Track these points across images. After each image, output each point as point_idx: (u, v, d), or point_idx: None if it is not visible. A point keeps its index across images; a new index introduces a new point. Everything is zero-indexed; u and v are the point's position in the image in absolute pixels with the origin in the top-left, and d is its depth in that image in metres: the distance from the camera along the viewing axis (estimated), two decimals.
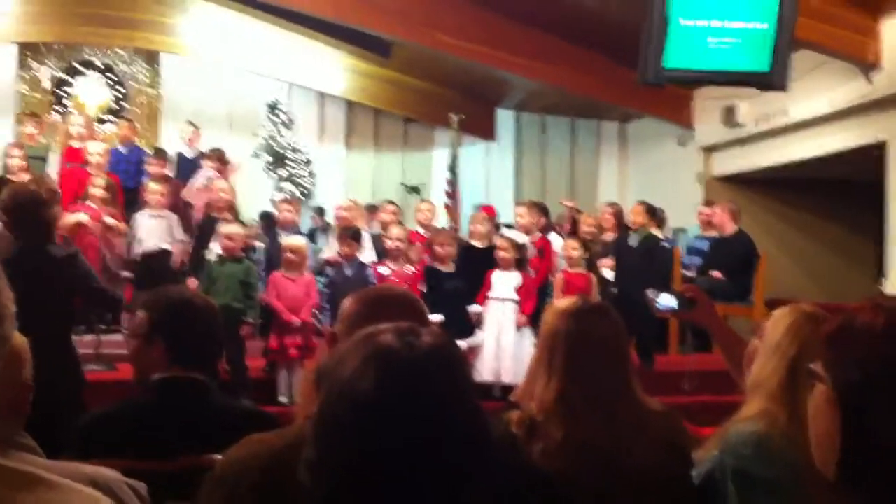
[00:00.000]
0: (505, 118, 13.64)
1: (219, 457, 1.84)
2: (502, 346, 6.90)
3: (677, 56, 6.94)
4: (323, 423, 1.19)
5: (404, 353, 1.18)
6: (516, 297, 7.02)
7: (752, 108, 9.83)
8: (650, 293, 2.86)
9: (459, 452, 1.16)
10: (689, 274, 8.86)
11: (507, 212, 10.85)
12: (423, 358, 1.18)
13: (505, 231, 8.60)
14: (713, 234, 9.31)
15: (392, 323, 1.26)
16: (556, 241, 8.30)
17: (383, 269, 7.04)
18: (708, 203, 9.74)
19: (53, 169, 8.79)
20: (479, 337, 6.92)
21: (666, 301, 2.86)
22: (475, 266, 7.19)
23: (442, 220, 9.68)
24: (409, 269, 7.10)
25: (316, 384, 1.25)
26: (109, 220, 7.50)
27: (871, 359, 1.17)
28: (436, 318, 6.68)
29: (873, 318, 1.20)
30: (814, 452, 1.25)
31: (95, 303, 4.30)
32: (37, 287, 4.06)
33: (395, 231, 7.31)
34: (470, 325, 6.92)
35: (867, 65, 8.00)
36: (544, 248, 7.99)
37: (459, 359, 1.26)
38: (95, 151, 8.37)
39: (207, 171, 8.96)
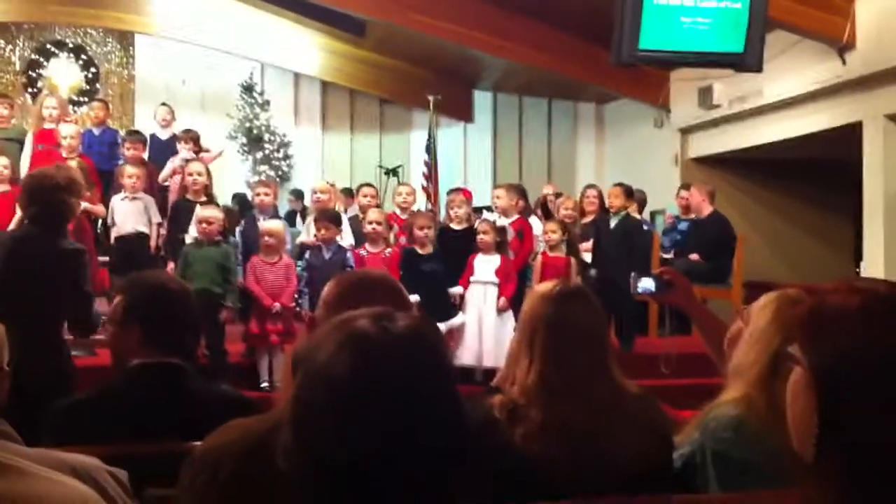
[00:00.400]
0: (482, 100, 13.62)
1: (199, 443, 1.83)
2: (484, 329, 6.91)
3: (651, 37, 6.96)
4: (298, 408, 1.19)
5: (379, 337, 1.18)
6: (497, 279, 7.03)
7: (727, 89, 9.85)
8: (633, 276, 2.87)
9: (436, 436, 1.16)
10: (667, 256, 8.90)
11: (485, 194, 10.85)
12: (398, 341, 1.18)
13: (485, 214, 8.60)
14: (692, 216, 9.36)
15: (369, 307, 1.26)
16: (535, 224, 8.31)
17: (362, 252, 7.02)
18: (685, 186, 9.78)
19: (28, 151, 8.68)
20: (459, 318, 6.93)
21: (645, 284, 2.86)
22: (453, 248, 7.19)
23: (420, 203, 9.66)
24: (388, 251, 7.08)
25: (292, 369, 1.25)
26: (86, 205, 7.43)
27: (846, 340, 1.17)
28: (413, 298, 6.68)
29: (847, 299, 1.20)
30: (791, 435, 1.25)
31: (77, 306, 4.24)
32: (36, 274, 4.05)
33: (372, 214, 7.28)
34: (448, 307, 6.92)
35: (841, 45, 8.03)
36: (523, 231, 8.00)
37: (436, 342, 1.25)
38: (68, 134, 8.26)
39: (183, 152, 8.89)
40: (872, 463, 1.13)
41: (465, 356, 6.86)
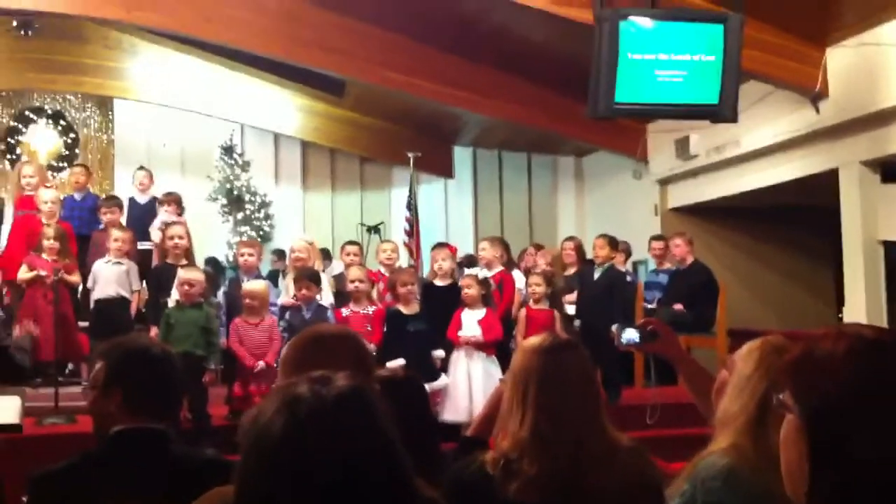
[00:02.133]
0: (462, 155, 13.71)
1: None
2: (473, 385, 6.87)
3: (627, 90, 7.03)
4: (241, 473, 1.24)
5: (311, 401, 1.24)
6: (481, 331, 7.01)
7: (703, 139, 9.97)
8: (615, 328, 2.88)
9: (366, 492, 1.20)
10: (651, 306, 8.91)
11: (467, 249, 10.89)
12: (329, 404, 1.24)
13: (467, 269, 8.60)
14: (668, 266, 9.40)
15: (327, 366, 1.35)
16: (518, 277, 8.32)
17: (345, 311, 6.99)
18: (658, 237, 9.84)
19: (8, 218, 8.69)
20: (443, 380, 6.88)
21: (629, 335, 2.87)
22: (438, 305, 7.16)
23: (402, 260, 9.65)
24: (371, 309, 7.04)
25: (238, 435, 1.30)
26: (68, 278, 7.44)
27: (834, 386, 1.17)
28: (397, 362, 6.64)
29: (835, 344, 1.21)
30: (785, 482, 1.25)
31: None
32: None
33: (354, 272, 7.26)
34: (433, 369, 6.86)
35: (814, 94, 8.15)
36: (503, 283, 8.00)
37: (370, 402, 1.29)
38: (48, 199, 8.26)
39: (162, 215, 8.88)
40: None
41: (456, 413, 6.80)
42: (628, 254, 10.03)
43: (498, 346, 7.07)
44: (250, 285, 6.77)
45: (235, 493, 1.24)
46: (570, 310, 8.08)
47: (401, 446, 1.27)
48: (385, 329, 6.98)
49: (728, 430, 2.18)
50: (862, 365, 1.18)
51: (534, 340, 2.36)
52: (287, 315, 6.95)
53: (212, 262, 10.35)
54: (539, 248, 9.76)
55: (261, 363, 6.31)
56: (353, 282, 7.08)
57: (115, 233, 7.79)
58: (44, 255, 7.55)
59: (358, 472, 1.20)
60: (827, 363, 1.20)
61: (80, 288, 8.07)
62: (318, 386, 1.26)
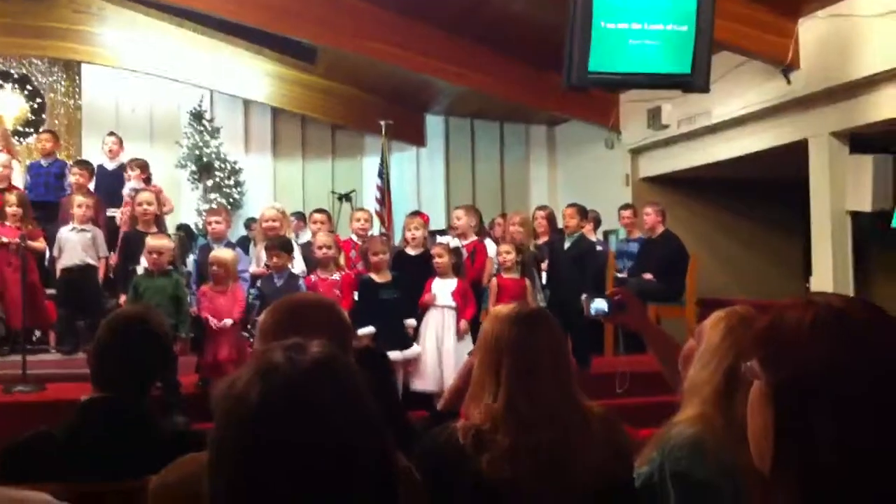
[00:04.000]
0: (434, 124, 13.65)
1: (151, 478, 1.79)
2: (444, 355, 6.88)
3: (600, 59, 7.02)
4: (215, 441, 1.23)
5: (286, 367, 1.23)
6: (454, 302, 7.01)
7: (675, 109, 10.00)
8: (584, 298, 2.89)
9: (345, 461, 1.20)
10: (621, 276, 8.96)
11: (438, 218, 10.87)
12: (304, 371, 1.23)
13: (439, 237, 8.58)
14: (638, 235, 9.45)
15: (304, 333, 1.34)
16: (490, 246, 8.32)
17: (313, 278, 6.96)
18: (627, 206, 9.88)
19: None
20: (415, 349, 6.88)
21: (598, 305, 2.87)
22: (410, 273, 7.15)
23: (374, 228, 9.63)
24: (337, 275, 7.00)
25: (212, 404, 1.29)
26: (33, 244, 7.34)
27: (801, 355, 1.18)
28: (367, 330, 6.63)
29: (803, 314, 1.21)
30: (751, 449, 1.26)
31: None
32: None
33: (321, 238, 7.22)
34: (405, 337, 6.87)
35: (786, 65, 8.19)
36: (476, 251, 8.01)
37: (345, 370, 1.28)
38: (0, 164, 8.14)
39: (132, 182, 8.79)
40: (826, 476, 1.13)
41: (426, 382, 6.81)
42: (598, 223, 10.07)
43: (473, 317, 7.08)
44: (217, 253, 6.70)
45: (209, 462, 1.23)
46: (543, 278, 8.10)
47: (377, 414, 1.27)
48: (357, 297, 6.97)
49: (695, 400, 2.19)
50: (827, 334, 1.18)
51: (504, 309, 2.34)
52: (258, 283, 6.92)
53: (183, 228, 10.27)
54: (504, 215, 9.74)
55: (227, 321, 6.25)
56: (320, 248, 7.04)
57: (79, 198, 7.70)
58: (6, 223, 7.44)
59: (335, 441, 1.19)
60: (794, 332, 1.20)
61: (47, 255, 7.97)
62: (292, 353, 1.26)
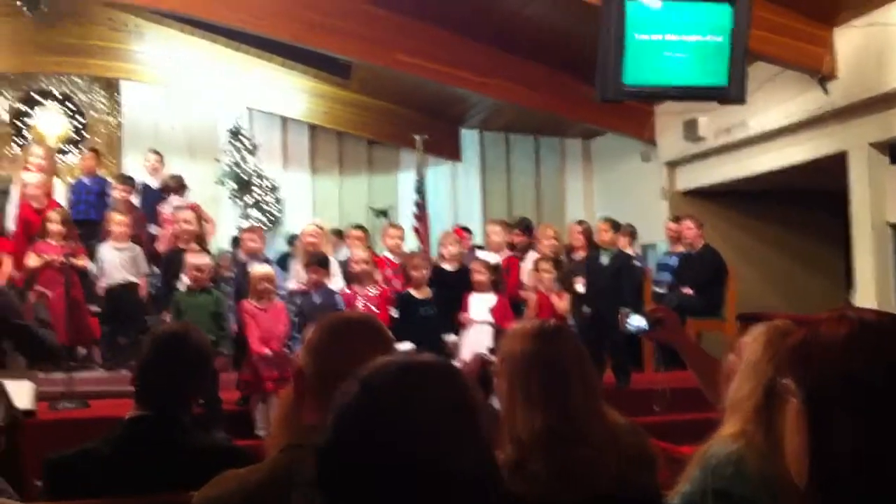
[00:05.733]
0: (469, 138, 13.67)
1: (193, 493, 1.82)
2: None
3: (635, 72, 7.01)
4: (322, 444, 1.20)
5: (386, 370, 1.22)
6: (491, 318, 7.01)
7: (712, 121, 9.93)
8: (622, 314, 2.91)
9: (454, 469, 1.16)
10: (660, 290, 8.90)
11: (475, 232, 10.88)
12: (408, 373, 1.21)
13: (478, 252, 8.60)
14: (681, 249, 9.38)
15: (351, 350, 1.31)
16: (532, 258, 8.33)
17: (349, 292, 7.00)
18: (675, 219, 9.81)
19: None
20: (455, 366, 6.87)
21: (636, 322, 2.88)
22: (447, 289, 7.17)
23: (411, 244, 9.66)
24: (373, 290, 7.04)
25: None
26: (76, 262, 7.44)
27: (833, 371, 1.17)
28: (406, 346, 6.65)
29: (836, 329, 1.21)
30: (790, 467, 1.25)
31: (19, 341, 4.14)
32: None
33: (357, 253, 7.27)
34: (443, 353, 6.87)
35: (822, 75, 8.11)
36: (510, 267, 8.02)
37: (456, 374, 1.27)
38: (29, 183, 8.25)
39: (174, 200, 8.91)
40: (858, 493, 1.12)
41: None
42: (634, 236, 10.01)
43: None
44: (258, 269, 6.78)
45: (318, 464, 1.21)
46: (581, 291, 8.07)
47: (482, 432, 1.23)
48: (395, 313, 6.99)
49: (736, 416, 2.18)
50: (859, 350, 1.17)
51: (522, 326, 2.28)
52: (297, 300, 6.98)
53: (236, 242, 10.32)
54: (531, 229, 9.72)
55: (267, 350, 6.31)
56: (357, 262, 7.09)
57: (117, 217, 7.81)
58: (50, 241, 7.56)
59: (428, 449, 1.16)
60: (827, 348, 1.20)
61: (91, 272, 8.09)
62: (395, 358, 1.25)
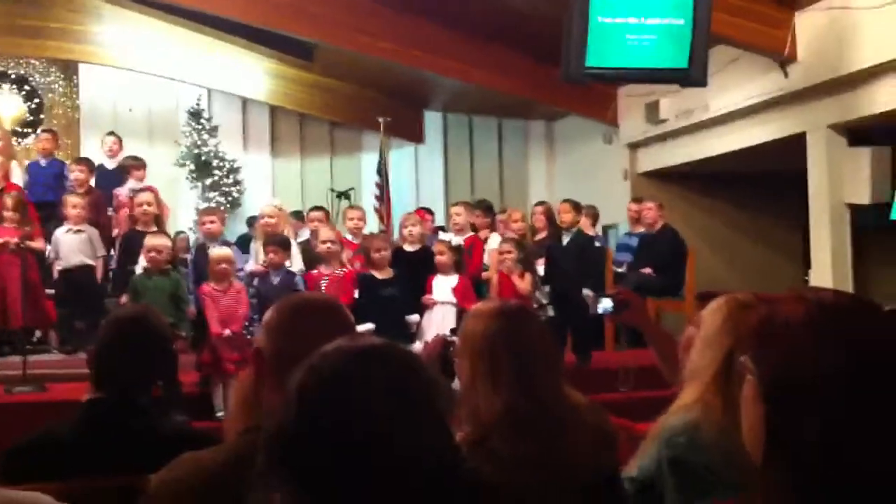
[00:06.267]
0: (433, 120, 13.64)
1: (152, 477, 1.80)
2: None
3: (598, 54, 7.05)
4: (268, 430, 1.21)
5: (334, 355, 1.23)
6: (454, 299, 7.02)
7: (673, 103, 9.99)
8: (591, 297, 2.99)
9: (413, 448, 1.17)
10: (620, 270, 8.97)
11: (438, 215, 10.88)
12: (352, 358, 1.21)
13: (440, 234, 8.61)
14: (641, 230, 9.46)
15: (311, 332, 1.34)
16: (495, 239, 8.34)
17: (315, 273, 6.96)
18: (636, 200, 9.88)
19: None
20: (416, 346, 6.88)
21: (604, 305, 2.98)
22: (407, 270, 7.17)
23: (372, 225, 9.63)
24: (340, 271, 7.01)
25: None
26: (32, 244, 7.32)
27: (790, 351, 1.17)
28: (367, 326, 6.64)
29: (794, 310, 1.21)
30: (745, 442, 1.26)
31: None
32: None
33: (325, 233, 7.22)
34: (405, 335, 6.87)
35: (783, 58, 8.19)
36: (473, 247, 8.03)
37: (397, 360, 1.26)
38: None
39: (130, 182, 8.80)
40: (813, 474, 1.13)
41: None
42: (595, 217, 10.07)
43: None
44: (219, 251, 6.71)
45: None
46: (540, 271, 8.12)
47: (432, 410, 1.24)
48: (357, 294, 6.98)
49: (694, 384, 2.20)
50: (817, 331, 1.17)
51: (485, 306, 2.27)
52: (255, 281, 6.92)
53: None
54: (503, 211, 9.75)
55: (227, 331, 6.26)
56: (324, 242, 7.05)
57: (72, 199, 7.70)
58: (5, 224, 7.43)
59: (378, 431, 1.16)
60: (784, 328, 1.19)
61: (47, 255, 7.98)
62: (343, 342, 1.25)
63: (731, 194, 11.28)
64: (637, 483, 2.20)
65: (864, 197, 8.19)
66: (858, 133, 8.33)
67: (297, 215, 9.93)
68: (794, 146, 8.57)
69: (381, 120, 10.85)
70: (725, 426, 2.02)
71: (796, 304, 1.22)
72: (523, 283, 7.23)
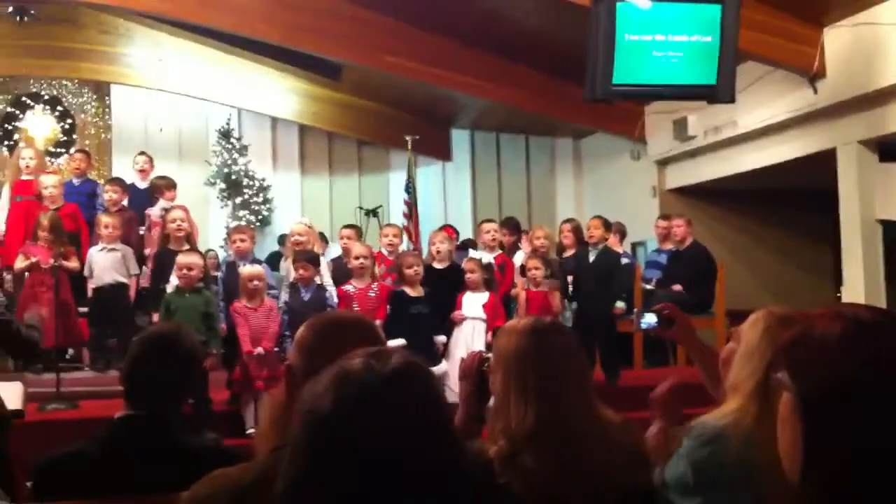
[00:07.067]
0: (460, 138, 13.68)
1: (183, 494, 1.81)
2: None
3: (624, 72, 7.03)
4: (291, 448, 1.22)
5: (364, 374, 1.21)
6: (484, 315, 7.02)
7: (701, 120, 9.96)
8: (635, 312, 3.00)
9: (422, 473, 1.17)
10: (649, 287, 8.92)
11: (465, 231, 10.88)
12: (384, 378, 1.21)
13: (470, 251, 8.61)
14: (670, 247, 9.40)
15: (344, 349, 1.31)
16: (518, 255, 8.33)
17: (348, 288, 6.97)
18: (665, 216, 9.83)
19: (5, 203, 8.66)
20: (443, 366, 6.88)
21: (648, 320, 2.98)
22: (436, 287, 7.16)
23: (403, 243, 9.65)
24: (375, 287, 7.03)
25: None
26: (67, 264, 7.39)
27: (827, 369, 1.17)
28: (397, 342, 6.63)
29: (830, 326, 1.20)
30: (782, 458, 1.25)
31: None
32: None
33: (357, 248, 7.25)
34: (433, 353, 6.85)
35: (812, 74, 8.14)
36: (505, 265, 8.02)
37: (426, 380, 1.27)
38: (50, 184, 8.25)
39: (161, 202, 8.87)
40: (851, 492, 1.12)
41: (455, 397, 6.79)
42: (623, 234, 10.03)
43: None
44: (250, 268, 6.75)
45: (286, 467, 1.22)
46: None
47: (453, 426, 1.26)
48: (388, 309, 6.98)
49: (735, 398, 2.20)
50: (854, 348, 1.17)
51: (518, 323, 2.30)
52: (286, 297, 6.95)
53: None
54: (526, 232, 9.74)
55: (259, 349, 6.30)
56: (356, 258, 7.07)
57: (105, 219, 7.76)
58: (40, 243, 7.52)
59: (410, 449, 1.18)
60: (822, 345, 1.19)
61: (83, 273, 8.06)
62: (373, 360, 1.24)
63: (760, 210, 11.20)
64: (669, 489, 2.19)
65: (895, 213, 8.11)
66: (889, 148, 8.25)
67: (323, 237, 9.95)
68: (823, 162, 8.50)
69: (408, 138, 10.90)
70: (754, 438, 2.01)
71: (833, 320, 1.21)
72: (556, 300, 7.24)
